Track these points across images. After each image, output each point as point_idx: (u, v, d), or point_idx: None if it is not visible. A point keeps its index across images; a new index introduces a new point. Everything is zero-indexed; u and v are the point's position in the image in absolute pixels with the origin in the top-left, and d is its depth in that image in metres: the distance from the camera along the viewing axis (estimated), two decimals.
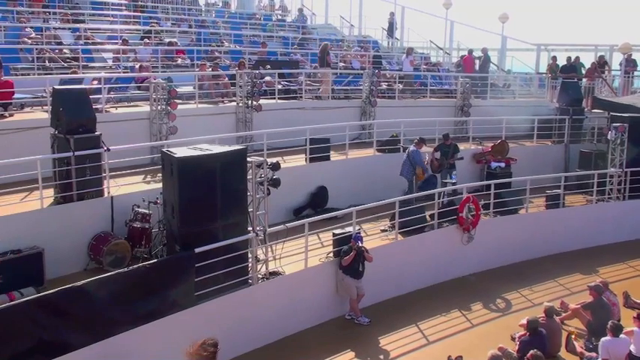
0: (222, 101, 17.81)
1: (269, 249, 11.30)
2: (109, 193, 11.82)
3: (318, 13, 33.38)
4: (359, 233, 12.37)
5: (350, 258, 11.67)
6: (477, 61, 25.60)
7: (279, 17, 31.42)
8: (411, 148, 15.76)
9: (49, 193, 11.35)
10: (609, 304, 11.55)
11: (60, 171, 11.26)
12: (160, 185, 11.16)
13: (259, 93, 16.88)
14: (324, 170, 15.92)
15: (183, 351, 7.08)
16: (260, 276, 11.11)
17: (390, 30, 30.17)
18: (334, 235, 12.41)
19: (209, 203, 10.15)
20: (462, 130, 20.10)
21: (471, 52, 26.03)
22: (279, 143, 15.44)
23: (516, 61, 28.69)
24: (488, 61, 26.07)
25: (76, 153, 11.18)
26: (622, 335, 9.92)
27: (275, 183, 11.00)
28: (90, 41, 19.96)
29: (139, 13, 24.78)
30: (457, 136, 18.03)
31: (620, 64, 24.77)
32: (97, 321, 8.77)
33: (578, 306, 11.90)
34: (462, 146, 17.37)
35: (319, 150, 15.85)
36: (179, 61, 20.08)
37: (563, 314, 12.10)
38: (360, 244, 11.87)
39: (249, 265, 10.91)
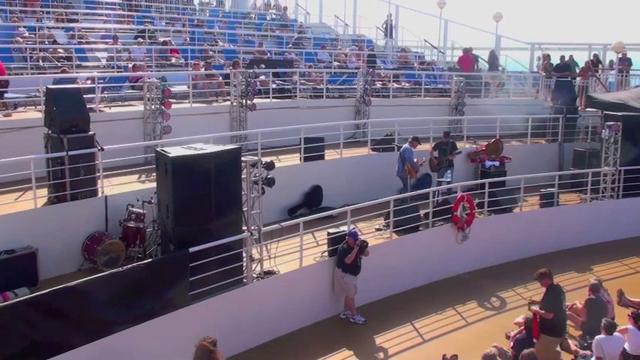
0: (217, 100, 17.80)
1: (264, 248, 11.29)
2: (103, 192, 11.80)
3: (313, 13, 33.40)
4: (354, 230, 12.36)
5: (353, 255, 11.67)
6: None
7: (274, 16, 31.39)
8: (405, 146, 15.77)
9: (43, 193, 11.32)
10: (605, 303, 11.57)
11: (54, 171, 11.24)
12: (154, 185, 11.15)
13: (253, 92, 16.87)
14: (319, 169, 15.93)
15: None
16: (255, 275, 11.10)
17: (388, 31, 30.22)
18: (329, 234, 12.41)
19: (203, 202, 10.13)
20: (456, 129, 20.12)
21: (466, 50, 26.04)
22: (274, 142, 15.44)
23: (510, 60, 28.73)
24: (476, 60, 26.16)
25: (70, 152, 11.16)
26: (616, 333, 9.94)
27: (269, 182, 10.99)
28: (84, 40, 19.91)
29: (133, 13, 24.73)
30: (452, 134, 18.02)
31: (613, 62, 24.92)
32: (91, 321, 8.75)
33: (576, 305, 11.94)
34: (457, 145, 17.37)
35: (314, 149, 15.86)
36: (173, 60, 20.04)
37: None
38: (362, 239, 11.89)
39: (244, 264, 10.91)
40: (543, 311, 10.42)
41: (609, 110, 18.68)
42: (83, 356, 8.63)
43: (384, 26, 30.44)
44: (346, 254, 11.70)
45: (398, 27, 30.74)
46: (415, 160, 15.61)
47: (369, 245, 11.95)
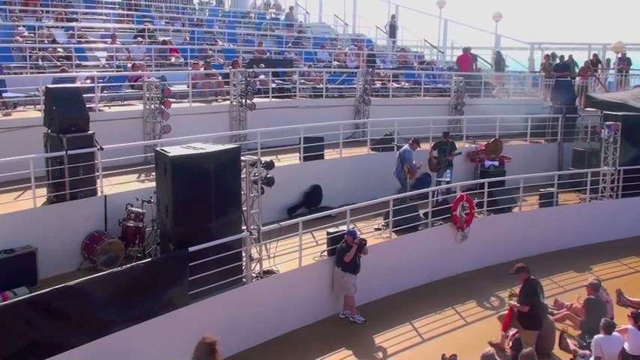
0: (216, 100, 17.80)
1: (263, 248, 11.30)
2: (102, 192, 11.80)
3: (312, 12, 33.41)
4: (353, 229, 12.37)
5: (352, 253, 11.66)
6: None
7: (273, 16, 31.39)
8: (405, 147, 15.74)
9: (42, 192, 11.32)
10: (604, 303, 11.59)
11: (53, 170, 11.23)
12: (153, 184, 11.16)
13: (253, 92, 16.87)
14: (318, 169, 15.93)
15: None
16: (254, 275, 11.11)
17: (392, 32, 30.22)
18: (328, 233, 12.41)
19: (203, 202, 10.13)
20: (456, 128, 20.14)
21: (465, 50, 26.10)
22: (273, 142, 15.45)
23: (510, 59, 28.73)
24: (475, 60, 26.24)
25: (69, 152, 11.15)
26: (615, 333, 9.96)
27: (269, 182, 10.99)
28: (83, 40, 19.91)
29: (133, 12, 24.72)
30: (451, 134, 18.07)
31: (610, 61, 25.00)
32: (90, 320, 8.76)
33: (574, 304, 11.96)
34: (456, 145, 17.36)
35: (313, 149, 15.85)
36: (173, 59, 20.04)
37: (557, 313, 12.14)
38: (360, 237, 11.89)
39: (243, 264, 10.91)
40: (519, 304, 10.50)
41: (609, 110, 18.70)
42: (82, 356, 8.63)
43: (387, 27, 30.44)
44: (345, 253, 11.70)
45: (398, 27, 30.76)
46: (414, 162, 15.59)
47: (367, 245, 11.96)
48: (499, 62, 26.32)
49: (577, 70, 24.69)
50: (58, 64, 17.02)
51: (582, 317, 11.54)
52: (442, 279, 14.05)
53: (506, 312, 11.27)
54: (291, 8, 31.75)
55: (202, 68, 18.62)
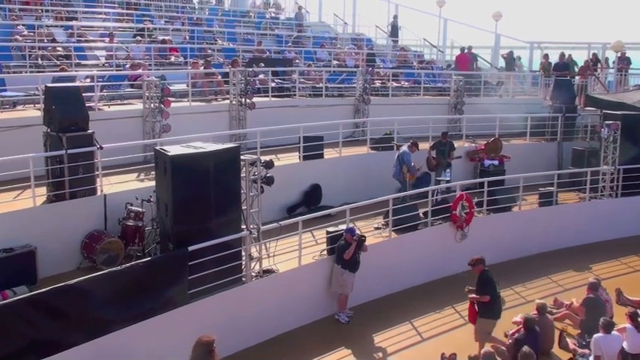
0: (216, 99, 17.79)
1: (263, 247, 11.30)
2: (102, 191, 11.80)
3: (312, 11, 33.39)
4: (351, 227, 12.36)
5: (352, 250, 11.67)
6: None
7: (273, 15, 31.37)
8: (403, 148, 15.71)
9: (42, 192, 11.31)
10: (604, 302, 11.59)
11: (53, 169, 11.24)
12: (153, 183, 11.15)
13: (253, 91, 16.86)
14: (318, 168, 15.93)
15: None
16: (254, 274, 11.11)
17: (394, 32, 30.23)
18: (328, 232, 12.41)
19: (202, 201, 10.14)
20: (455, 128, 20.14)
21: (464, 49, 26.13)
22: (273, 141, 15.45)
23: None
24: (475, 59, 26.26)
25: (69, 151, 11.15)
26: (614, 332, 9.96)
27: (268, 181, 10.99)
28: (83, 39, 19.90)
29: (132, 11, 24.70)
30: (451, 133, 18.11)
31: (608, 60, 25.01)
32: (90, 320, 8.76)
33: (573, 303, 11.96)
34: (455, 144, 17.39)
35: (313, 148, 15.86)
36: (172, 58, 20.03)
37: (556, 312, 12.15)
38: (359, 234, 11.88)
39: (243, 263, 10.91)
40: (479, 296, 10.58)
41: (608, 109, 18.69)
42: (82, 355, 8.63)
43: (389, 27, 30.43)
44: (344, 250, 11.70)
45: (400, 27, 30.77)
46: (413, 163, 15.56)
47: (367, 244, 11.95)
48: (509, 62, 26.31)
49: (576, 70, 24.70)
50: (58, 63, 17.03)
51: (582, 316, 11.55)
52: (441, 278, 14.04)
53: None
54: (299, 8, 31.74)
55: (202, 67, 18.62)
